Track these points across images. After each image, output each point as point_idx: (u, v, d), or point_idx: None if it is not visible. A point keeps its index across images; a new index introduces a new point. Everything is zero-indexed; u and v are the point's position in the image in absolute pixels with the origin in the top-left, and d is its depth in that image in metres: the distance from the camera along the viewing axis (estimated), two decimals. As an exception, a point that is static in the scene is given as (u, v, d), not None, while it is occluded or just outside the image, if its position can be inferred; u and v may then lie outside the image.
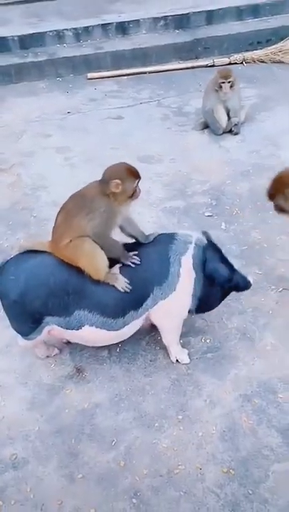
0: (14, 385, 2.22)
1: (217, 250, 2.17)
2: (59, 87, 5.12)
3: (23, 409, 2.12)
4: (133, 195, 2.01)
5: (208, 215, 3.18)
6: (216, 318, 2.47)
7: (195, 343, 2.35)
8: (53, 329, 2.06)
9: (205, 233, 2.21)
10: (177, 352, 2.24)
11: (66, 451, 1.96)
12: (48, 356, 2.30)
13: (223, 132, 4.03)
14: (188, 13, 5.53)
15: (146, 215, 3.18)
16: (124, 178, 1.97)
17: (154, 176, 3.62)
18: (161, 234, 2.20)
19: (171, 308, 2.09)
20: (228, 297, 2.55)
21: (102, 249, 1.99)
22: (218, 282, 2.12)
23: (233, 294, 2.55)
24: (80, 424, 2.05)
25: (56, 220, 2.05)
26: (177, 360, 2.25)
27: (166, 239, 2.13)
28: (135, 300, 2.04)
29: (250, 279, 2.21)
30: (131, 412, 2.08)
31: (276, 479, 1.80)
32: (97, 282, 1.99)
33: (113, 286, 2.00)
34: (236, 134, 4.01)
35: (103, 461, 1.91)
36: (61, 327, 2.03)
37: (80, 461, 1.92)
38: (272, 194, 2.37)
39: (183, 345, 2.30)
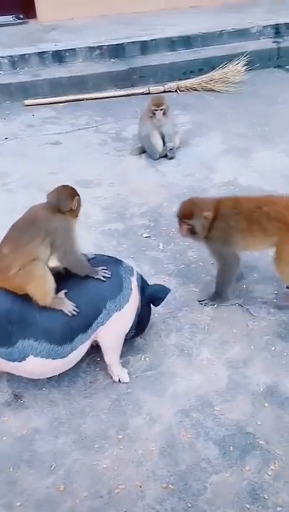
0: None
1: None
2: (-4, 113, 5.11)
3: None
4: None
5: (146, 236, 3.25)
6: (154, 336, 2.51)
7: (134, 362, 2.37)
8: None
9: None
10: (119, 371, 2.25)
11: (4, 479, 1.90)
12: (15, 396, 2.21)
13: (160, 157, 4.16)
14: (122, 43, 5.72)
15: (85, 237, 3.19)
16: (77, 194, 2.14)
17: (93, 199, 3.66)
18: (101, 255, 2.33)
19: (123, 321, 2.17)
20: (166, 315, 2.64)
21: (71, 267, 2.07)
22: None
23: (170, 311, 2.64)
24: (19, 451, 2.00)
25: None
26: (119, 380, 2.26)
27: (112, 260, 2.28)
28: (84, 321, 2.06)
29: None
30: (71, 436, 2.06)
31: (214, 490, 1.83)
32: (43, 308, 1.98)
33: (60, 310, 1.99)
34: (172, 158, 4.15)
35: (42, 487, 1.87)
36: (2, 358, 1.99)
37: (18, 488, 1.87)
38: (190, 214, 2.52)
39: (122, 365, 2.31)
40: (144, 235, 3.28)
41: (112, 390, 2.24)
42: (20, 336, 1.96)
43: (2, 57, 5.48)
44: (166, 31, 5.99)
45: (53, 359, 2.03)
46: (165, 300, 2.70)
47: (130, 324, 2.23)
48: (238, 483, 1.85)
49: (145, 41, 5.77)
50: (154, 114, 4.06)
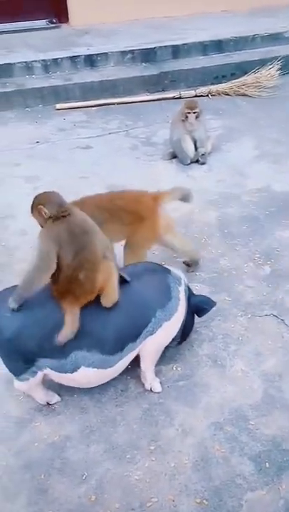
0: (-19, 419, 2.15)
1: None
2: (28, 117, 5.15)
3: (-10, 444, 2.05)
4: None
5: (178, 243, 3.21)
6: (186, 345, 2.47)
7: (166, 372, 2.34)
8: (46, 372, 2.00)
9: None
10: (152, 379, 2.23)
11: (35, 486, 1.89)
12: (48, 403, 2.18)
13: (191, 162, 4.12)
14: (154, 48, 5.70)
15: (117, 244, 3.19)
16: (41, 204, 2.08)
17: (123, 204, 3.64)
18: (149, 263, 2.39)
19: (170, 330, 2.17)
20: (198, 324, 2.59)
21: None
22: (206, 312, 2.37)
23: (203, 321, 2.60)
24: (50, 458, 1.99)
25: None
26: (150, 389, 2.23)
27: (160, 268, 2.29)
28: (134, 330, 2.06)
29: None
30: (102, 444, 2.04)
31: (249, 508, 1.78)
32: (96, 318, 1.95)
33: (112, 318, 1.98)
34: (203, 163, 4.11)
35: (74, 496, 1.86)
36: (55, 370, 1.98)
37: (49, 497, 1.86)
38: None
39: (155, 375, 2.28)
40: (176, 242, 3.24)
41: (143, 400, 2.21)
42: (74, 347, 1.93)
43: (35, 61, 5.52)
44: (198, 35, 5.95)
45: (104, 369, 2.02)
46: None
47: (175, 333, 2.21)
48: (275, 502, 1.80)
49: (177, 45, 5.73)
50: (186, 117, 4.02)
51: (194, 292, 2.42)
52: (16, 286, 1.96)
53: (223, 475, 1.90)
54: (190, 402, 2.19)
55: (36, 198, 2.06)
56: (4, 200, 3.74)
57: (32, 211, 2.04)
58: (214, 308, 2.66)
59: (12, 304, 1.90)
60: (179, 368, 2.35)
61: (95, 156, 4.36)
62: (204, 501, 1.82)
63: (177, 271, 2.32)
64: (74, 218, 1.94)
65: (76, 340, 1.92)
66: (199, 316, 2.40)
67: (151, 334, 2.09)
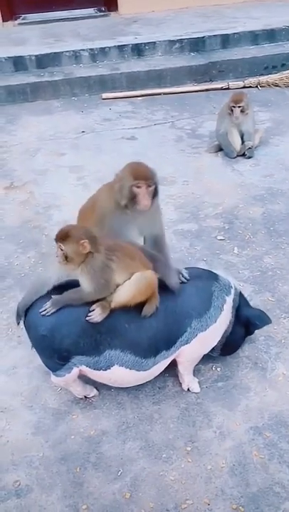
0: (20, 408, 2.17)
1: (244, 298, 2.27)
2: (74, 106, 5.17)
3: (28, 433, 2.07)
4: None
5: (221, 239, 3.15)
6: (226, 345, 2.42)
7: (205, 372, 2.29)
8: (81, 369, 2.00)
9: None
10: (190, 380, 2.19)
11: (71, 479, 1.90)
12: (85, 397, 2.19)
13: (237, 155, 4.02)
14: (203, 37, 5.60)
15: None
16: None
17: (166, 197, 3.60)
18: (196, 269, 2.29)
19: (207, 340, 2.10)
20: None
21: None
22: (257, 327, 2.25)
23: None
24: (86, 452, 1.99)
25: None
26: (188, 389, 2.20)
27: (206, 274, 2.19)
28: (169, 338, 2.01)
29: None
30: (138, 442, 2.02)
31: (287, 518, 1.73)
32: (131, 320, 1.94)
33: (147, 323, 1.95)
34: (250, 157, 4.00)
35: (108, 492, 1.85)
36: (89, 367, 1.98)
37: (84, 491, 1.86)
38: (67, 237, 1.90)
39: (193, 374, 2.25)
40: (219, 238, 3.17)
41: (181, 399, 2.18)
42: (108, 345, 1.92)
43: (83, 50, 5.52)
44: (248, 24, 5.79)
45: (137, 371, 2.00)
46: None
47: (214, 344, 2.15)
48: (314, 514, 1.73)
49: (227, 34, 5.60)
50: (231, 111, 3.92)
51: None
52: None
53: (260, 482, 1.85)
54: (229, 404, 2.14)
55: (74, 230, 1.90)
56: (48, 190, 3.77)
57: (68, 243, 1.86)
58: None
59: (51, 307, 1.91)
60: (218, 369, 2.30)
61: (140, 147, 4.32)
62: (240, 507, 1.77)
63: (227, 277, 2.21)
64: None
65: (111, 339, 1.92)
66: (249, 333, 2.27)
67: (186, 343, 2.03)
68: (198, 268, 2.33)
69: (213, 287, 2.10)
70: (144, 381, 2.13)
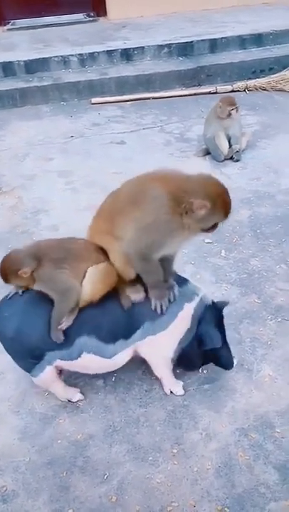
0: (6, 413, 2.17)
1: (216, 317, 2.10)
2: (63, 111, 5.19)
3: (15, 439, 2.07)
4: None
5: (208, 242, 3.17)
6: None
7: (191, 374, 2.30)
8: (56, 365, 2.02)
9: (222, 303, 2.16)
10: (171, 384, 2.20)
11: (57, 484, 1.90)
12: (69, 400, 2.19)
13: (225, 159, 4.05)
14: (192, 42, 5.64)
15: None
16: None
17: (154, 201, 3.62)
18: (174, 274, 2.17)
19: (157, 346, 2.04)
20: (226, 326, 2.53)
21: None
22: (204, 347, 2.05)
23: (231, 323, 2.55)
24: (73, 456, 2.00)
25: None
26: (172, 392, 2.20)
27: (178, 279, 2.10)
28: (127, 329, 1.99)
29: (235, 361, 2.19)
30: (125, 445, 2.03)
31: (272, 519, 1.74)
32: (96, 304, 1.94)
33: (111, 308, 1.96)
34: (237, 160, 4.03)
35: (95, 496, 1.86)
36: (64, 360, 1.99)
37: (71, 495, 1.86)
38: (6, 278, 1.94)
39: (178, 376, 2.26)
40: (206, 241, 3.19)
41: (168, 401, 2.19)
42: (76, 334, 1.94)
43: (72, 55, 5.55)
44: (237, 29, 5.84)
45: (101, 357, 1.99)
46: (226, 310, 2.63)
47: (169, 352, 2.07)
48: (299, 514, 1.75)
49: (215, 39, 5.65)
50: (230, 114, 3.93)
51: (223, 305, 2.17)
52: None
53: (246, 483, 1.86)
54: (215, 406, 2.16)
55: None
56: (37, 195, 3.77)
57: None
58: (243, 310, 2.63)
59: (57, 337, 1.93)
60: (204, 371, 2.31)
61: (129, 152, 4.34)
62: (226, 509, 1.78)
63: (196, 286, 2.10)
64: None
65: (78, 327, 1.93)
66: (198, 347, 2.08)
67: (140, 341, 2.01)
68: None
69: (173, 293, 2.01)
70: (110, 370, 2.13)
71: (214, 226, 1.83)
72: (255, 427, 2.06)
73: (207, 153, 4.15)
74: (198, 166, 4.04)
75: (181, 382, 2.21)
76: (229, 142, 4.02)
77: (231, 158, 4.05)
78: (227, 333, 2.16)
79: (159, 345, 2.04)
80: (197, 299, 2.04)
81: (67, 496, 1.86)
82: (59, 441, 2.05)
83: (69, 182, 3.93)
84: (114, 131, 4.71)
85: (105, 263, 1.94)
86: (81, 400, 2.20)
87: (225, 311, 2.56)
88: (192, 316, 2.02)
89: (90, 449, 2.02)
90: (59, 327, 1.92)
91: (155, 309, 1.95)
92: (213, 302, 2.12)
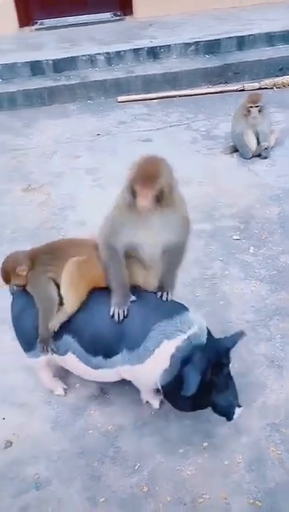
0: (38, 404, 2.21)
1: (212, 358, 1.83)
2: (90, 109, 5.23)
3: (47, 428, 2.11)
4: None
5: (237, 239, 3.16)
6: (242, 344, 2.40)
7: (221, 368, 2.30)
8: (49, 356, 2.03)
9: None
10: (149, 397, 2.14)
11: (89, 473, 1.93)
12: (52, 391, 2.22)
13: (252, 156, 4.03)
14: (219, 39, 5.61)
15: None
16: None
17: (182, 198, 3.63)
18: (169, 301, 1.96)
19: (137, 377, 1.97)
20: (256, 323, 2.54)
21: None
22: (182, 390, 1.80)
23: (261, 319, 2.54)
24: (104, 446, 2.02)
25: None
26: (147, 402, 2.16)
27: (165, 310, 1.89)
28: (107, 348, 1.90)
29: (238, 412, 1.90)
30: (155, 437, 2.04)
31: (304, 514, 1.74)
32: (85, 310, 1.92)
33: (97, 320, 1.92)
34: (265, 158, 4.01)
35: (126, 486, 1.88)
36: (53, 351, 2.00)
37: (102, 484, 1.89)
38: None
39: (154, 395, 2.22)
40: (234, 237, 3.19)
41: (197, 395, 2.19)
42: (65, 329, 1.93)
43: (99, 54, 5.58)
44: (264, 26, 5.79)
45: (85, 364, 1.96)
46: (256, 307, 2.63)
47: (149, 384, 1.96)
48: None
49: (242, 36, 5.61)
50: (249, 111, 3.93)
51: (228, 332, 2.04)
52: None
53: (278, 477, 1.86)
54: (245, 401, 2.14)
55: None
56: (65, 192, 3.82)
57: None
58: (273, 307, 2.62)
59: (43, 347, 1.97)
60: (234, 366, 2.29)
61: (155, 149, 4.26)
62: (257, 502, 1.78)
63: (192, 320, 1.86)
64: None
65: (67, 324, 1.93)
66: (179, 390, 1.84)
67: (121, 366, 1.91)
68: (173, 301, 1.99)
69: (155, 326, 1.83)
70: (100, 380, 2.09)
71: (135, 194, 1.77)
72: (286, 422, 2.05)
73: (235, 150, 4.13)
74: (225, 163, 4.04)
75: (161, 397, 2.09)
76: (257, 139, 4.00)
77: (259, 155, 4.03)
78: (258, 330, 2.14)
79: (138, 377, 1.96)
80: (181, 338, 1.81)
81: (98, 485, 1.89)
82: (90, 432, 2.08)
83: (96, 179, 3.97)
84: (141, 129, 4.73)
85: (72, 261, 1.91)
86: (110, 393, 2.21)
87: (254, 308, 2.57)
88: (172, 356, 1.81)
89: (120, 440, 2.05)
90: (49, 328, 1.93)
91: (112, 316, 1.86)
92: (215, 340, 1.89)
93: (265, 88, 5.16)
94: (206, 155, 4.20)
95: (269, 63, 5.41)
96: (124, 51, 5.60)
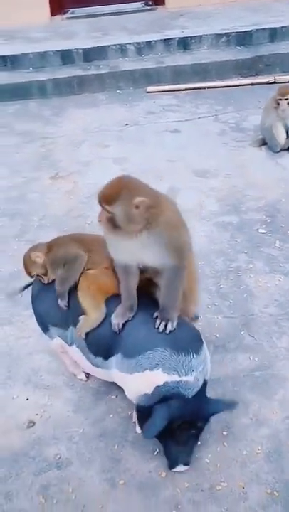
0: (62, 386, 2.26)
1: (187, 414, 1.73)
2: (119, 99, 5.25)
3: (69, 410, 2.15)
4: None
5: (262, 232, 3.15)
6: (265, 336, 2.44)
7: (243, 361, 2.32)
8: (58, 342, 2.07)
9: (228, 404, 1.86)
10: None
11: (109, 455, 1.97)
12: (74, 375, 2.26)
13: (281, 150, 3.99)
14: (250, 31, 5.55)
15: (198, 228, 3.18)
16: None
17: (208, 190, 3.63)
18: (186, 329, 1.85)
19: (121, 384, 1.92)
20: (279, 316, 2.54)
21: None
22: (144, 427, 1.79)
23: (284, 313, 2.54)
24: (124, 431, 2.06)
25: None
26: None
27: (176, 339, 1.76)
28: (106, 349, 1.87)
29: (178, 469, 1.83)
30: (175, 424, 2.07)
31: None
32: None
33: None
34: (294, 152, 3.97)
35: (145, 470, 1.91)
36: (62, 339, 2.04)
37: (122, 467, 1.93)
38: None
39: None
40: (260, 231, 3.17)
41: (217, 385, 2.20)
42: (72, 322, 1.95)
43: (129, 43, 5.58)
44: (297, 17, 5.70)
45: (87, 359, 1.96)
46: (279, 301, 2.63)
47: (130, 396, 1.89)
48: None
49: (274, 28, 5.54)
50: (278, 104, 3.89)
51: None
52: None
53: (296, 469, 1.86)
54: (266, 393, 2.16)
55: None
56: (92, 181, 3.84)
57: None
58: (296, 302, 2.61)
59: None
60: (256, 359, 2.32)
61: (183, 140, 4.35)
62: (275, 492, 1.80)
63: (191, 368, 1.73)
64: None
65: (73, 317, 1.93)
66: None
67: (116, 369, 1.87)
68: (191, 330, 1.89)
69: (158, 348, 1.74)
70: (97, 376, 2.09)
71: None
72: (307, 416, 2.05)
73: (263, 143, 4.10)
74: (253, 156, 4.02)
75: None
76: (287, 133, 3.96)
77: (288, 149, 3.99)
78: (281, 323, 2.14)
79: (123, 385, 1.92)
80: (174, 378, 1.72)
81: (118, 467, 1.93)
82: (111, 416, 2.12)
83: (124, 169, 3.98)
84: (169, 120, 4.73)
85: (99, 268, 1.94)
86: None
87: (278, 301, 2.57)
88: (156, 387, 1.73)
89: (140, 425, 2.07)
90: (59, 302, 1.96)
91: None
92: (203, 399, 1.79)
93: (297, 81, 5.09)
94: (234, 147, 4.18)
95: (301, 56, 5.33)
96: (155, 41, 5.59)
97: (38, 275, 2.04)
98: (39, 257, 1.98)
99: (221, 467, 1.89)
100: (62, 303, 1.96)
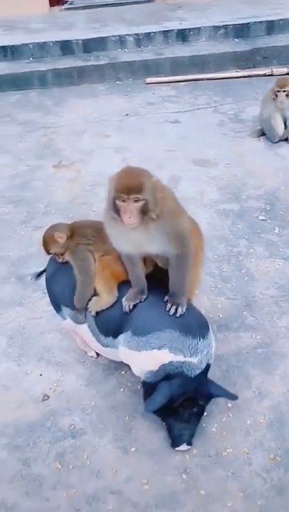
0: (73, 362, 2.36)
1: (188, 392, 1.85)
2: (118, 90, 5.32)
3: (81, 385, 2.26)
4: None
5: (262, 219, 3.26)
6: (266, 316, 2.55)
7: (245, 339, 2.43)
8: (68, 322, 2.17)
9: (228, 393, 1.96)
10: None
11: (121, 425, 2.08)
12: (85, 352, 2.37)
13: (279, 140, 4.10)
14: (248, 23, 5.64)
15: (200, 215, 3.27)
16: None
17: (208, 179, 3.73)
18: (196, 313, 1.98)
19: (128, 361, 2.01)
20: (280, 298, 2.66)
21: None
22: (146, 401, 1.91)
23: (284, 295, 2.66)
24: (134, 404, 2.16)
25: None
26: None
27: (185, 322, 1.86)
28: (116, 329, 1.97)
29: (181, 448, 1.94)
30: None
31: None
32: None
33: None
34: (292, 142, 4.08)
35: (155, 439, 2.03)
36: (72, 320, 2.13)
37: (133, 436, 2.04)
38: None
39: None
40: (260, 218, 3.28)
41: (222, 361, 2.32)
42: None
43: (128, 35, 5.65)
44: (294, 11, 5.80)
45: (96, 340, 2.08)
46: (279, 283, 2.75)
47: (136, 372, 1.99)
48: None
49: (272, 21, 5.64)
50: (276, 95, 4.00)
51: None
52: None
53: (297, 437, 1.99)
54: (267, 368, 2.28)
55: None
56: (94, 169, 3.94)
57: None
58: (295, 284, 2.72)
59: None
60: (258, 337, 2.44)
61: (182, 131, 4.45)
62: (277, 458, 1.92)
63: (196, 350, 1.83)
64: None
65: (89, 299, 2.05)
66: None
67: (121, 347, 1.96)
68: (199, 315, 1.99)
69: (167, 330, 1.83)
70: (106, 356, 2.21)
71: (116, 206, 1.71)
72: (306, 389, 2.17)
73: (262, 134, 4.20)
74: (252, 147, 4.12)
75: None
76: (285, 124, 4.07)
77: (286, 139, 4.10)
78: (281, 304, 2.24)
79: (130, 362, 2.01)
80: (179, 358, 1.82)
81: (129, 436, 2.04)
82: (121, 390, 2.23)
83: (125, 158, 4.07)
84: (169, 111, 4.82)
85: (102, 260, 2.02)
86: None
87: (278, 284, 2.68)
88: (162, 365, 1.83)
89: (150, 398, 2.18)
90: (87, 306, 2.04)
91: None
92: (205, 380, 1.91)
93: (294, 73, 5.20)
94: (233, 138, 4.28)
95: (298, 48, 5.43)
96: (154, 33, 5.67)
97: (55, 253, 2.13)
98: (61, 238, 2.06)
99: (227, 435, 2.01)
100: (81, 319, 2.09)
